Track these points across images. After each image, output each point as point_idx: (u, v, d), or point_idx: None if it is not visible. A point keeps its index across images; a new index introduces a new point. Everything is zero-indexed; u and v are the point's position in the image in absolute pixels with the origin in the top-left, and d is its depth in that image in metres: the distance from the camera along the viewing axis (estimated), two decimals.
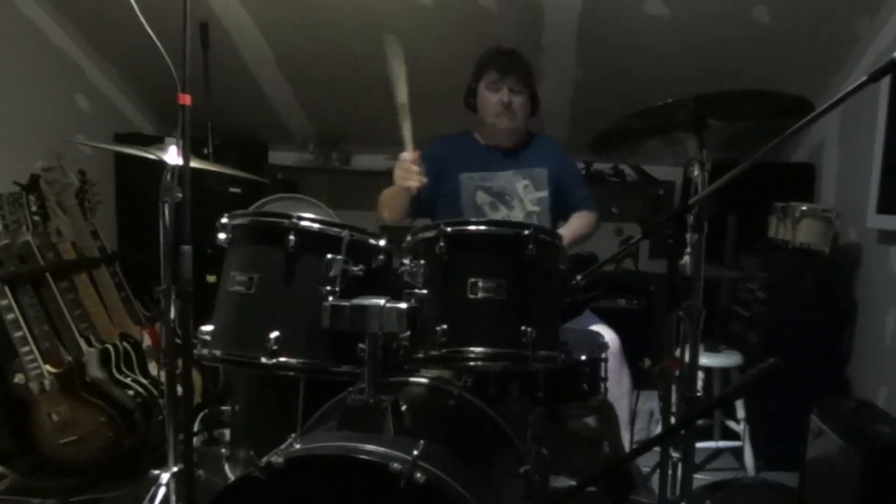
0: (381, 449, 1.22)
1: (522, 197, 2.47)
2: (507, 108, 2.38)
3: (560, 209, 2.54)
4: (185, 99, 1.64)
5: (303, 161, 4.28)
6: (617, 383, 2.18)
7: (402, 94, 1.98)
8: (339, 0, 3.13)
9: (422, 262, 1.45)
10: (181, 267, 1.65)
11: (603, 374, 1.90)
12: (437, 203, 2.44)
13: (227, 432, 2.51)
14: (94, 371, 2.71)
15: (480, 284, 1.40)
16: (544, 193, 2.47)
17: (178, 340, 1.73)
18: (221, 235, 1.51)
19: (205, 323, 1.50)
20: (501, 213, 2.46)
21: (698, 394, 1.76)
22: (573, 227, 2.50)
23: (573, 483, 2.09)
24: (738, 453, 2.91)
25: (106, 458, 2.63)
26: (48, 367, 2.60)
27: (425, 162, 2.41)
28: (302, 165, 4.27)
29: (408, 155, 2.10)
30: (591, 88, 3.54)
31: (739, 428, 2.85)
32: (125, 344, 2.90)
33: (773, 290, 2.97)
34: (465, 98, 2.52)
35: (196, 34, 2.80)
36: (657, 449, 1.75)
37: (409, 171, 2.09)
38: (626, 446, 2.31)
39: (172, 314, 1.75)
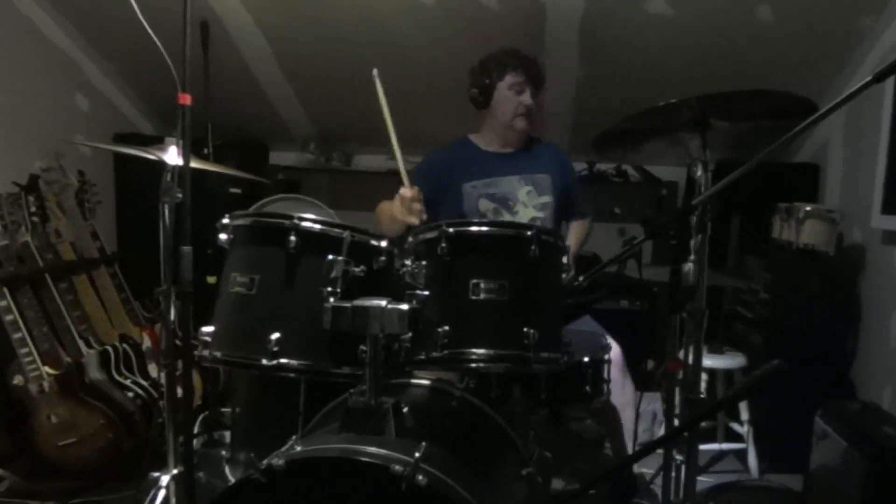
0: (383, 451, 1.21)
1: (526, 202, 2.46)
2: (529, 111, 2.41)
3: (562, 214, 2.55)
4: (185, 99, 1.63)
5: (304, 161, 4.27)
6: (620, 394, 2.17)
7: (390, 127, 1.97)
8: None
9: (423, 262, 1.45)
10: (181, 268, 1.64)
11: (605, 376, 1.89)
12: (438, 213, 2.42)
13: (227, 434, 2.51)
14: (94, 373, 2.70)
15: (482, 285, 1.39)
16: (548, 199, 2.46)
17: (178, 342, 1.72)
18: (222, 236, 1.51)
19: (205, 324, 1.49)
20: (505, 219, 2.44)
21: (702, 395, 1.75)
22: (576, 237, 2.58)
23: (576, 485, 2.07)
24: (741, 455, 2.89)
25: (105, 461, 2.61)
26: (47, 368, 2.58)
27: (426, 174, 2.41)
28: (303, 166, 4.26)
29: (408, 191, 2.03)
30: (594, 88, 3.53)
31: (743, 430, 2.83)
32: (125, 345, 2.89)
33: (777, 291, 2.96)
34: (476, 95, 2.47)
35: (196, 34, 2.80)
36: (660, 451, 1.73)
37: (410, 209, 2.02)
38: (629, 448, 2.29)
39: (172, 315, 1.74)
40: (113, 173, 3.79)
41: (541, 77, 2.46)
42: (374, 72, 1.98)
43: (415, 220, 2.02)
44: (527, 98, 2.40)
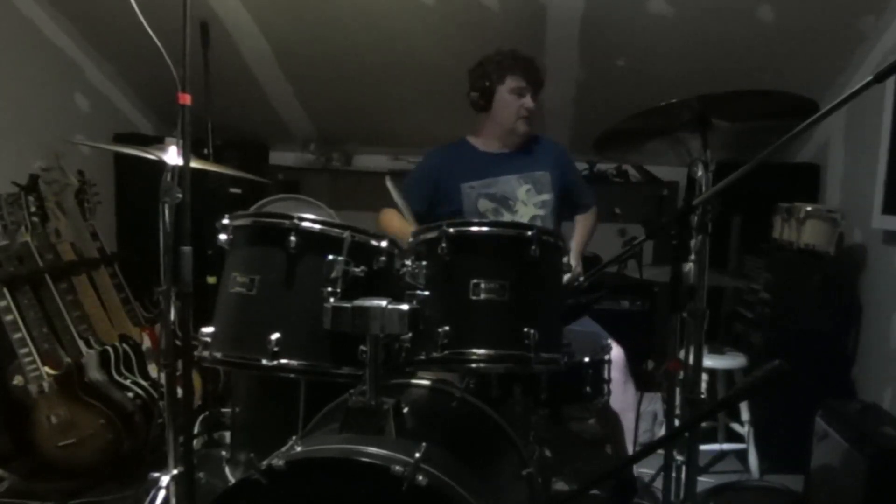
0: (383, 451, 1.20)
1: (525, 200, 2.45)
2: (530, 113, 2.42)
3: (563, 210, 2.54)
4: (185, 99, 1.63)
5: (304, 161, 4.26)
6: (622, 396, 2.17)
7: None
8: None
9: (424, 263, 1.44)
10: (181, 268, 1.64)
11: (606, 377, 1.89)
12: (438, 214, 2.42)
13: (227, 435, 2.50)
14: (94, 373, 2.70)
15: (483, 285, 1.39)
16: (548, 196, 2.46)
17: (177, 342, 1.71)
18: (222, 236, 1.51)
19: (205, 324, 1.49)
20: (505, 219, 2.44)
21: (702, 396, 1.75)
22: (583, 232, 2.56)
23: (576, 486, 2.07)
24: (742, 456, 2.89)
25: (105, 461, 2.61)
26: (47, 368, 2.58)
27: (424, 177, 2.41)
28: (303, 166, 4.26)
29: None
30: (595, 88, 3.52)
31: (744, 430, 2.83)
32: (125, 345, 2.88)
33: (778, 291, 2.95)
34: (476, 99, 2.45)
35: (196, 34, 2.79)
36: (661, 451, 1.73)
37: None
38: (630, 449, 2.29)
39: (172, 315, 1.74)
40: (113, 173, 3.78)
41: (541, 78, 2.46)
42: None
43: None
44: (528, 101, 2.41)
